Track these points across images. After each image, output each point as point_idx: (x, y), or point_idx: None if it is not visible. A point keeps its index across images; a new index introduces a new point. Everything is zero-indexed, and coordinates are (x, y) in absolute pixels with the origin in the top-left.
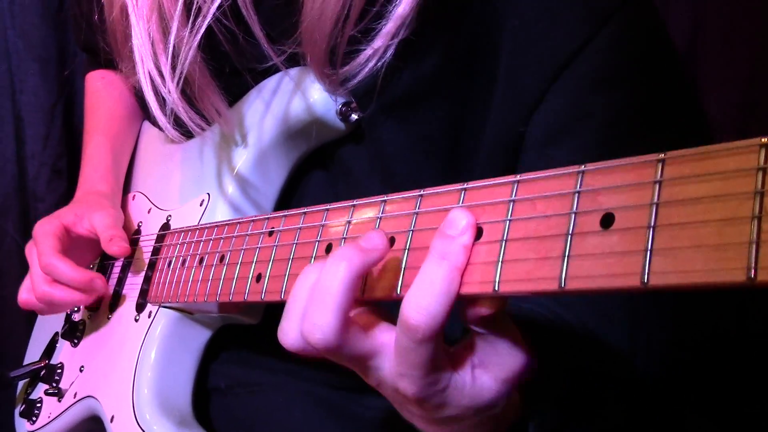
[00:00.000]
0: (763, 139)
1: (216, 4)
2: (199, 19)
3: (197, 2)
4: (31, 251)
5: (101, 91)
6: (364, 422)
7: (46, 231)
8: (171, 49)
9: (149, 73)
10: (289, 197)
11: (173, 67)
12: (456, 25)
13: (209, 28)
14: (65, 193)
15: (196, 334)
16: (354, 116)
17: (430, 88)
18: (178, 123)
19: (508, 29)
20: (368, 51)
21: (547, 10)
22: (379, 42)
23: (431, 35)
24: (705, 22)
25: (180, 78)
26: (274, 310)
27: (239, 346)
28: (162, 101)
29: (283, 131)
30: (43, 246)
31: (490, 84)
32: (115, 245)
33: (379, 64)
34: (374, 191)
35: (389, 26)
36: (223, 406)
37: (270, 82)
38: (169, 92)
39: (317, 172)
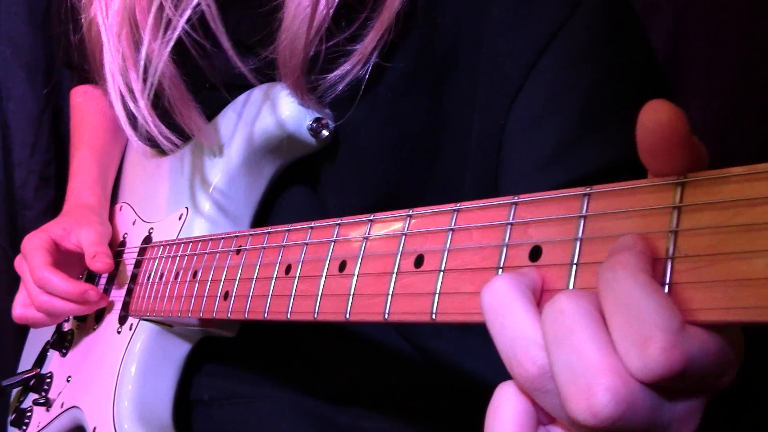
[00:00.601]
0: (682, 177)
1: (185, 16)
2: (169, 31)
3: (167, 14)
4: (21, 265)
5: (84, 105)
6: None
7: (35, 245)
8: (142, 62)
9: (119, 89)
10: (270, 210)
11: (144, 80)
12: (437, 23)
13: (183, 43)
14: (53, 201)
15: (175, 346)
16: (325, 132)
17: (412, 86)
18: (151, 138)
19: (488, 21)
20: (353, 58)
21: None
22: (362, 48)
23: (413, 34)
24: (687, 31)
25: (150, 91)
26: (251, 324)
27: (223, 358)
28: (132, 117)
29: (257, 146)
30: (34, 260)
31: (474, 79)
32: (98, 262)
33: (362, 71)
34: (354, 198)
35: (371, 35)
36: (207, 417)
37: (245, 97)
38: (139, 107)
39: (297, 183)
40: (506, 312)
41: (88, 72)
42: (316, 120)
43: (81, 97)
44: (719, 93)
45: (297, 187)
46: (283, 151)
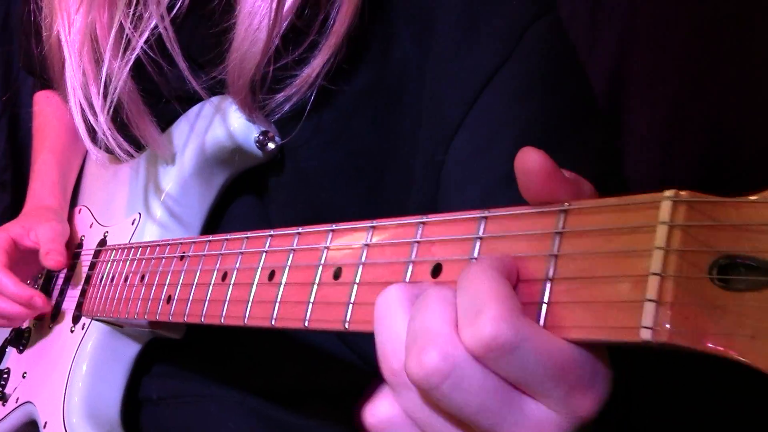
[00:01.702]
0: (565, 205)
1: (144, 37)
2: (128, 51)
3: (127, 35)
4: None
5: (47, 110)
6: (296, 429)
7: None
8: (103, 79)
9: (80, 103)
10: (220, 217)
11: (104, 96)
12: (385, 50)
13: (140, 59)
14: (9, 206)
15: (126, 346)
16: (271, 145)
17: (357, 110)
18: (108, 148)
19: (432, 56)
20: (299, 80)
21: (467, 31)
22: (309, 71)
23: (361, 59)
24: (632, 44)
25: (110, 107)
26: (198, 326)
27: (172, 359)
28: (91, 129)
29: (207, 156)
30: None
31: (419, 109)
32: (51, 259)
33: (308, 93)
34: (294, 213)
35: (318, 59)
36: (155, 416)
37: (197, 109)
38: (99, 122)
39: (248, 193)
40: (388, 315)
41: (50, 81)
42: (263, 133)
43: (43, 102)
44: (662, 106)
45: (247, 197)
46: (231, 161)
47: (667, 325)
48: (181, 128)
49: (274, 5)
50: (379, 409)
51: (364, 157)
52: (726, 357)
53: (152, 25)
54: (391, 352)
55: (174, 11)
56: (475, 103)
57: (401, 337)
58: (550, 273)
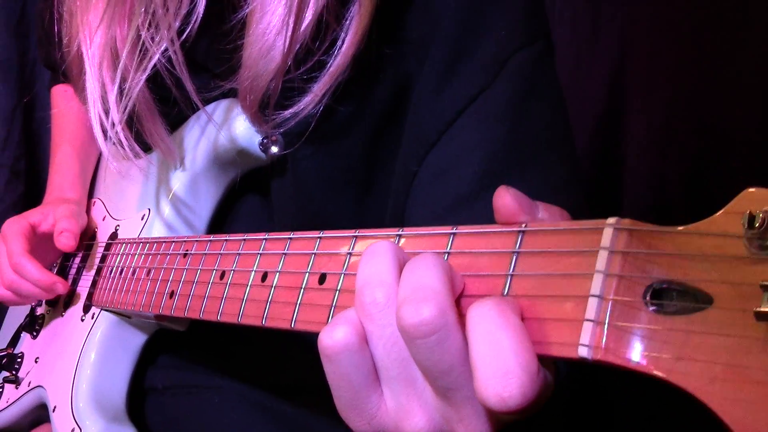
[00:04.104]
0: (523, 226)
1: (162, 48)
2: (146, 60)
3: (144, 44)
4: None
5: (65, 103)
6: (296, 422)
7: (14, 230)
8: (117, 86)
9: (99, 114)
10: (227, 214)
11: (123, 108)
12: (388, 73)
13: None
14: (24, 194)
15: (132, 336)
16: (274, 149)
17: (354, 127)
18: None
19: (420, 77)
20: (307, 98)
21: (456, 57)
22: (317, 90)
23: (365, 81)
24: (631, 51)
25: (125, 114)
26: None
27: (177, 350)
28: (107, 134)
29: (213, 158)
30: (12, 245)
31: (403, 124)
32: (63, 238)
33: (314, 110)
34: (290, 218)
35: (325, 79)
36: (159, 405)
37: (209, 110)
38: (117, 131)
39: (250, 194)
40: (377, 258)
41: (69, 79)
42: (267, 137)
43: (60, 95)
44: (659, 111)
45: (254, 197)
46: (236, 163)
47: (603, 344)
48: (190, 131)
49: (290, 27)
50: (338, 332)
51: (356, 168)
52: (653, 376)
53: (163, 48)
54: (378, 285)
55: (184, 35)
56: (453, 124)
57: (387, 279)
58: (506, 290)
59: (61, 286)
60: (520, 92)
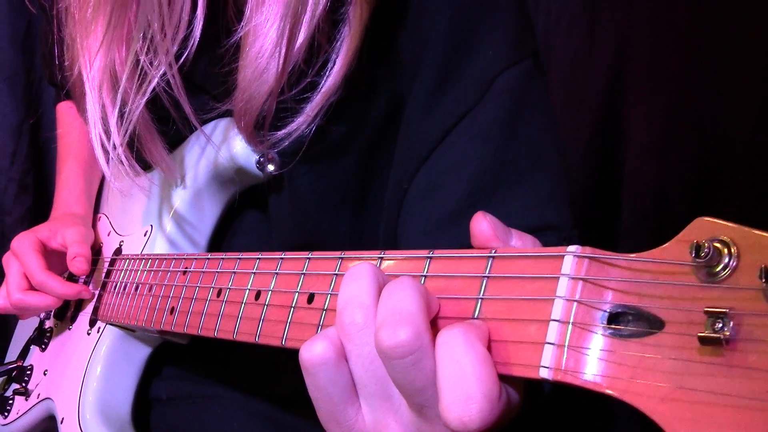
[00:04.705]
0: (492, 252)
1: (160, 72)
2: (146, 83)
3: (143, 69)
4: (8, 261)
5: (70, 119)
6: (294, 431)
7: (26, 246)
8: (118, 110)
9: (100, 136)
10: (227, 229)
11: (124, 130)
12: (379, 93)
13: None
14: (31, 207)
15: (137, 349)
16: (270, 167)
17: (347, 146)
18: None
19: (413, 94)
20: (300, 118)
21: (445, 76)
22: (309, 110)
23: (356, 100)
24: (630, 57)
25: (126, 136)
26: None
27: (181, 362)
28: (108, 155)
29: (213, 176)
30: (29, 263)
31: (396, 142)
32: (76, 264)
33: (308, 130)
34: (287, 234)
35: (318, 99)
36: (163, 415)
37: (207, 130)
38: (117, 152)
39: (250, 210)
40: (358, 281)
41: (72, 100)
42: (264, 155)
43: (65, 111)
44: (658, 115)
45: (253, 212)
46: (235, 180)
47: (563, 366)
48: (190, 149)
49: (283, 50)
50: (316, 348)
51: (350, 186)
52: (610, 396)
53: (161, 72)
54: (357, 306)
55: (182, 59)
56: (442, 141)
57: (366, 302)
58: (477, 313)
59: (87, 294)
60: (507, 110)
